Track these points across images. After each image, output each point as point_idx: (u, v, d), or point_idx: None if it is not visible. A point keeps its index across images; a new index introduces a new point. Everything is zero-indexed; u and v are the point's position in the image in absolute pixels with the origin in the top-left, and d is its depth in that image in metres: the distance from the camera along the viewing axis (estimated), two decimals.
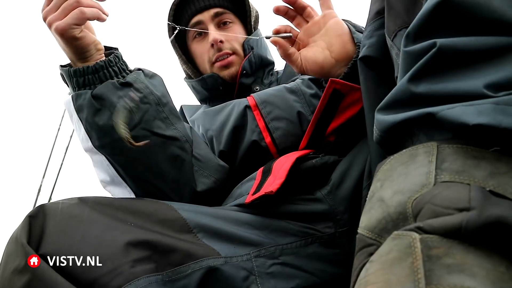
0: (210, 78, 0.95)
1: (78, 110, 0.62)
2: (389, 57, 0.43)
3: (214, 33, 0.91)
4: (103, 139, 0.62)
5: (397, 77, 0.39)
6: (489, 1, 0.31)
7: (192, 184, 0.68)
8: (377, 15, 0.48)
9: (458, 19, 0.32)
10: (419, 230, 0.25)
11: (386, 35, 0.43)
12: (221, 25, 0.96)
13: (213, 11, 0.93)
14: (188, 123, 0.93)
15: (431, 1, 0.33)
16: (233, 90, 0.96)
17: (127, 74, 0.66)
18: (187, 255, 0.48)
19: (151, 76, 0.70)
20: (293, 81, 0.85)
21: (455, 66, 0.31)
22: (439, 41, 0.31)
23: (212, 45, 0.91)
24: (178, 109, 1.01)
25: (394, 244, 0.26)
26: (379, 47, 0.46)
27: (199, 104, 1.06)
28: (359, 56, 0.50)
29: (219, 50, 0.92)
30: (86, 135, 0.63)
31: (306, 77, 0.83)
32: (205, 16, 0.94)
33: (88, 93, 0.62)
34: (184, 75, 1.07)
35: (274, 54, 1.04)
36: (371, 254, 0.29)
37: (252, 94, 0.80)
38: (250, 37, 0.96)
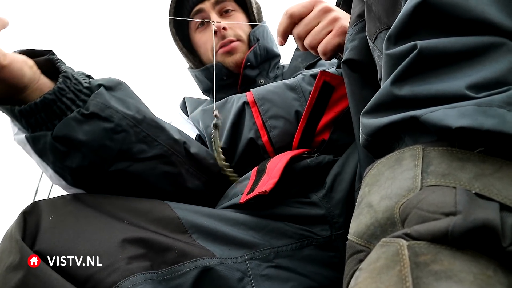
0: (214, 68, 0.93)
1: (41, 154, 0.53)
2: (372, 59, 0.43)
3: (217, 21, 0.90)
4: (82, 179, 0.55)
5: (380, 79, 0.39)
6: (466, 0, 0.31)
7: (184, 184, 0.65)
8: (358, 18, 0.47)
9: (438, 19, 0.32)
10: (407, 236, 0.25)
11: (367, 38, 0.43)
12: (223, 13, 0.95)
13: None
14: (187, 115, 0.92)
15: (410, 3, 0.33)
16: (237, 81, 0.94)
17: (86, 95, 0.54)
18: (182, 254, 0.47)
19: (115, 88, 0.58)
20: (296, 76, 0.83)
21: (437, 67, 0.31)
22: (420, 43, 0.31)
23: (216, 32, 0.90)
24: (181, 101, 1.00)
25: (382, 251, 0.25)
26: (361, 49, 0.46)
27: (202, 97, 1.04)
28: (342, 59, 0.50)
29: (223, 37, 0.91)
30: (57, 176, 0.55)
31: (308, 72, 0.81)
32: (206, 4, 0.93)
33: (47, 136, 0.51)
34: (187, 66, 1.06)
35: (280, 47, 1.01)
36: (361, 260, 0.29)
37: (251, 90, 0.78)
38: (255, 24, 0.94)
